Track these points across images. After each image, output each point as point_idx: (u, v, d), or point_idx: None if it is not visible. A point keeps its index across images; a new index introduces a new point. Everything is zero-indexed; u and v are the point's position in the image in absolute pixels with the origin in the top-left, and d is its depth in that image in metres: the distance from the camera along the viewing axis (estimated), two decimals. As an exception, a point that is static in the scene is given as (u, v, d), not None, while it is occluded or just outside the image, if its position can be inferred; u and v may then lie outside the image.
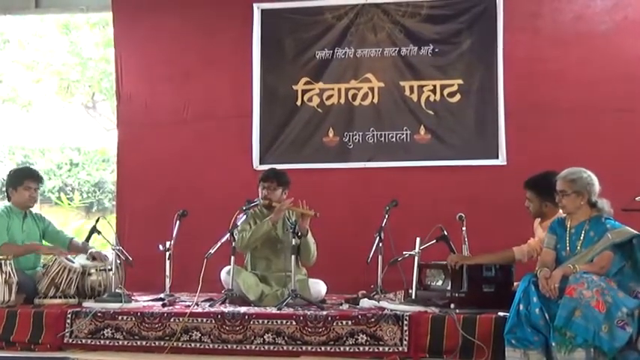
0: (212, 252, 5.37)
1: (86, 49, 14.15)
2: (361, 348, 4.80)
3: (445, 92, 6.90)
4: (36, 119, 15.20)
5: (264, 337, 4.91)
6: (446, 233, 5.42)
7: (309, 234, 5.67)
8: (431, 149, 6.89)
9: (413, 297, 5.13)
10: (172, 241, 5.83)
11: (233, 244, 5.54)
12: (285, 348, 4.88)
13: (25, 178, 5.92)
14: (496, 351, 4.57)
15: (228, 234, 5.52)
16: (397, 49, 6.99)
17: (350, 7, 7.06)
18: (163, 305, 5.37)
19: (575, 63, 6.72)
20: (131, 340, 5.07)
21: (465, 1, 6.90)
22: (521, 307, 4.43)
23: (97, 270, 5.66)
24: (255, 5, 7.18)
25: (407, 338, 4.75)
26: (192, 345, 4.99)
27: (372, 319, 4.83)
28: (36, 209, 6.40)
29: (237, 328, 4.95)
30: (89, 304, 5.35)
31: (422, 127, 6.91)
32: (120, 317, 5.11)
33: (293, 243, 5.43)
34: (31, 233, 5.94)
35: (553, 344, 4.30)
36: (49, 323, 5.15)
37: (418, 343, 4.74)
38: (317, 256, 5.82)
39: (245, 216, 5.71)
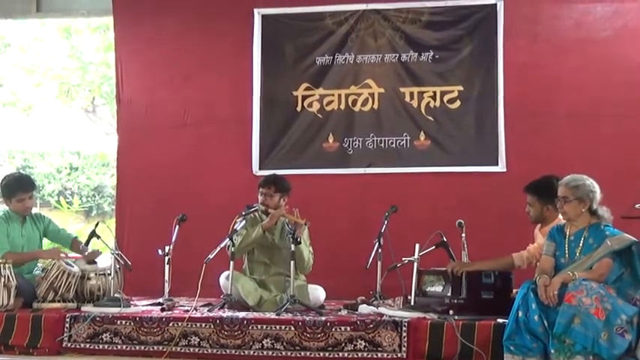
0: (211, 257, 5.36)
1: (87, 54, 14.16)
2: (360, 354, 4.79)
3: (445, 98, 6.90)
4: (36, 123, 15.20)
5: (263, 342, 4.90)
6: (445, 239, 5.41)
7: (303, 244, 5.66)
8: (431, 155, 6.88)
9: (412, 303, 5.14)
10: (171, 246, 5.83)
11: (232, 249, 5.54)
12: (283, 353, 4.87)
13: (16, 191, 5.85)
14: (495, 358, 4.56)
15: (228, 239, 5.51)
16: (397, 55, 6.99)
17: (350, 13, 7.06)
18: (162, 310, 5.37)
19: (575, 69, 6.72)
20: (130, 345, 5.06)
21: (465, 7, 6.91)
22: (520, 313, 4.43)
23: (96, 274, 5.66)
24: (255, 10, 7.18)
25: (405, 344, 4.74)
26: (191, 350, 4.99)
27: (371, 325, 4.82)
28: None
29: (236, 334, 4.95)
30: (88, 308, 5.35)
31: (422, 133, 6.91)
32: (118, 322, 5.11)
33: (292, 249, 5.43)
34: (31, 238, 5.94)
35: (552, 351, 4.30)
36: (48, 327, 5.15)
37: (417, 349, 4.73)
38: (314, 263, 5.85)
39: (244, 221, 5.71)
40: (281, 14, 7.19)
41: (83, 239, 5.89)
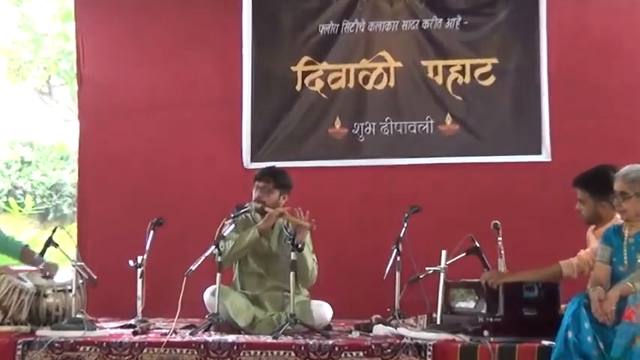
0: (193, 269, 5.35)
1: (40, 24, 14.20)
2: (375, 385, 4.81)
3: (476, 74, 6.91)
4: (-20, 109, 15.27)
5: (257, 371, 4.92)
6: (478, 245, 5.41)
7: (306, 248, 5.66)
8: (459, 143, 6.91)
9: (438, 322, 5.13)
10: (145, 256, 5.83)
11: (219, 258, 5.54)
12: (282, 385, 4.89)
13: None
14: (539, 387, 4.57)
15: (213, 247, 5.51)
16: (418, 21, 7.00)
17: (360, -30, 7.09)
18: (134, 333, 5.36)
19: (634, 34, 6.72)
20: (96, 376, 5.08)
21: (500, -38, 6.93)
22: (569, 334, 4.42)
23: (53, 291, 5.64)
24: (244, -29, 7.21)
25: (431, 372, 4.75)
26: (170, 381, 5.00)
27: (389, 350, 4.81)
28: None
29: (225, 361, 4.96)
30: (44, 332, 5.33)
31: (448, 115, 6.92)
32: (82, 348, 5.09)
33: (292, 257, 5.43)
34: (-27, 245, 5.94)
35: (609, 379, 4.30)
36: (-4, 356, 5.16)
37: (444, 378, 4.74)
38: (318, 275, 5.84)
39: (234, 225, 5.70)
40: (275, -27, 7.21)
41: (37, 249, 5.88)
